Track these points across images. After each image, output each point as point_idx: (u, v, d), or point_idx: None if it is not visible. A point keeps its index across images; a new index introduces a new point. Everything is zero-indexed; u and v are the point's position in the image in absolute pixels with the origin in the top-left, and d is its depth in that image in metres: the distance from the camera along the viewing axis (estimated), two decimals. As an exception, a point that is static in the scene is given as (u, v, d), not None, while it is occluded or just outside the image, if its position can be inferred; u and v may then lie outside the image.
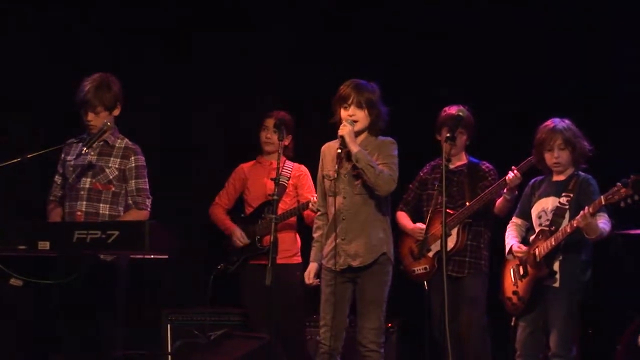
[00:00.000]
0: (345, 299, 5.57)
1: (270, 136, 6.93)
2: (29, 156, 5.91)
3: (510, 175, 6.26)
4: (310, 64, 7.57)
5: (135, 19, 7.59)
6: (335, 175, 5.59)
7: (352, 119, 5.54)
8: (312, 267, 5.70)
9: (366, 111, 5.56)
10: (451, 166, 6.61)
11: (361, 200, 5.54)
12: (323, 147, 5.76)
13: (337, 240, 5.55)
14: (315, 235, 5.75)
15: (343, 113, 5.58)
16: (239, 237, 6.91)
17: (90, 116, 5.96)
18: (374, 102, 5.58)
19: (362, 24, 7.73)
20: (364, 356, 5.52)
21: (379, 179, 5.48)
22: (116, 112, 6.03)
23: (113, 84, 5.99)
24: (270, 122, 6.88)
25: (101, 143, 5.99)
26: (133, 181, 6.01)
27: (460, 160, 6.69)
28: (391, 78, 7.47)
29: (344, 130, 5.51)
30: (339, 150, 5.55)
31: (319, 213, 5.76)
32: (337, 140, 5.66)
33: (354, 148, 5.49)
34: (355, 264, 5.51)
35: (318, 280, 5.67)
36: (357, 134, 5.59)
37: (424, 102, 7.21)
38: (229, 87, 7.69)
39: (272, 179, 6.23)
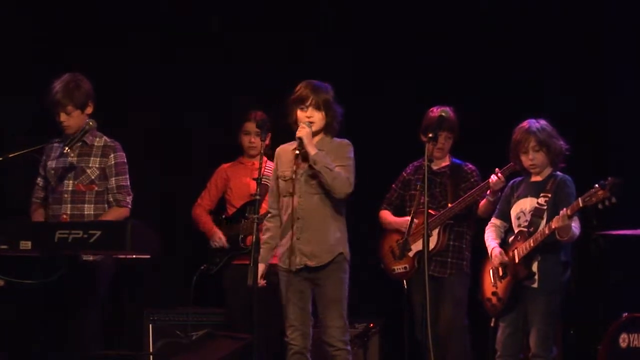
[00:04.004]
0: (306, 297, 5.58)
1: (254, 140, 6.92)
2: (10, 155, 5.92)
3: (494, 178, 6.28)
4: (285, 63, 7.58)
5: (114, 20, 7.58)
6: (292, 175, 5.59)
7: (309, 120, 5.55)
8: (261, 267, 5.64)
9: (323, 113, 5.57)
10: (434, 167, 6.62)
11: (318, 200, 5.55)
12: (277, 149, 5.77)
13: (293, 240, 5.55)
14: (264, 237, 5.70)
15: (300, 114, 5.58)
16: (217, 240, 6.92)
17: (63, 117, 5.96)
18: (331, 104, 5.58)
19: (346, 22, 7.75)
20: (332, 355, 5.52)
21: (336, 181, 5.48)
22: (89, 110, 6.03)
23: (82, 83, 5.99)
24: (251, 126, 6.87)
25: (79, 144, 5.99)
26: (113, 179, 6.02)
27: (444, 161, 6.70)
28: (377, 77, 7.55)
29: (302, 132, 5.51)
30: (297, 152, 5.55)
31: (269, 215, 5.74)
32: (292, 142, 5.68)
33: (311, 150, 5.50)
34: (311, 263, 5.52)
35: (265, 281, 5.67)
36: (313, 135, 5.59)
37: (411, 102, 7.23)
38: (210, 87, 7.69)
39: (254, 179, 6.23)
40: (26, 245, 5.43)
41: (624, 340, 6.52)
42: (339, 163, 5.54)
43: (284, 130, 6.43)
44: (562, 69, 7.56)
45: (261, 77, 7.58)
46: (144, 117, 7.59)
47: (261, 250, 5.69)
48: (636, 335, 6.49)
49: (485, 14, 7.60)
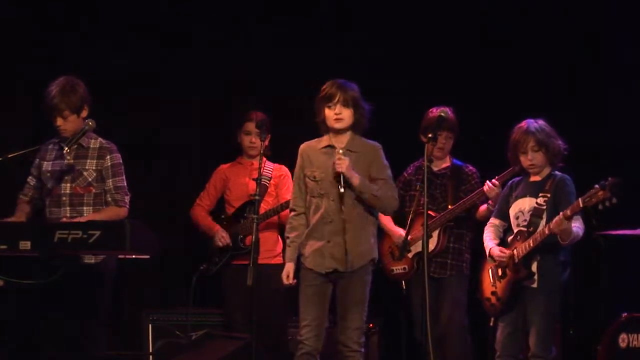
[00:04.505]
0: (326, 299, 5.56)
1: (255, 141, 6.89)
2: (9, 156, 5.94)
3: (486, 187, 6.28)
4: (288, 62, 7.58)
5: (114, 21, 7.59)
6: (322, 177, 5.57)
7: (337, 117, 5.54)
8: (290, 267, 5.65)
9: (352, 110, 5.56)
10: (435, 168, 6.62)
11: (351, 204, 5.53)
12: (303, 147, 5.73)
13: (323, 242, 5.53)
14: (290, 235, 5.69)
15: (328, 112, 5.57)
16: (221, 237, 6.90)
17: (59, 121, 6.00)
18: (358, 101, 5.58)
19: (346, 22, 7.75)
20: (346, 356, 5.51)
21: (385, 205, 5.61)
22: (84, 113, 6.05)
23: (78, 87, 6.01)
24: (252, 126, 6.84)
25: (75, 146, 6.00)
26: (110, 180, 6.04)
27: (445, 162, 6.70)
28: (377, 77, 7.54)
29: (342, 166, 5.46)
30: (342, 190, 5.46)
31: (294, 213, 5.70)
32: (318, 139, 5.68)
33: (355, 181, 5.47)
34: (342, 268, 5.50)
35: (296, 280, 5.67)
36: (342, 132, 5.59)
37: (410, 102, 7.22)
38: (208, 86, 7.68)
39: (254, 179, 6.23)
40: (25, 245, 5.44)
41: (623, 340, 6.53)
42: (377, 174, 5.56)
43: (282, 131, 6.45)
44: (562, 69, 7.55)
45: (261, 78, 7.58)
46: (143, 117, 7.59)
47: (288, 249, 5.69)
48: (636, 336, 6.50)
49: (485, 14, 7.59)
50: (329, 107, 5.56)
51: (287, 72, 7.52)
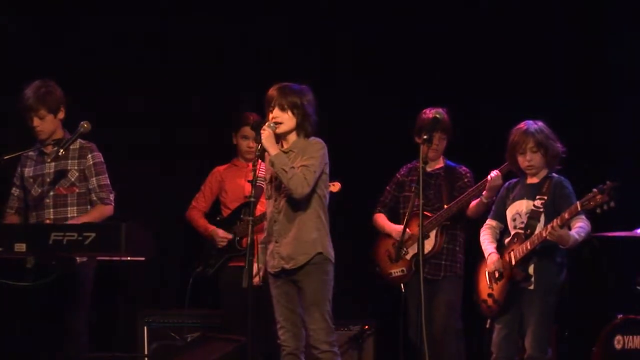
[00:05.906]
0: (293, 298, 5.54)
1: (252, 145, 6.88)
2: (6, 157, 5.94)
3: (493, 174, 6.25)
4: (285, 62, 7.58)
5: (113, 21, 7.58)
6: (269, 179, 5.61)
7: (274, 120, 5.53)
8: (255, 267, 5.62)
9: (289, 113, 5.53)
10: (428, 169, 6.62)
11: (289, 203, 5.51)
12: None
13: (274, 244, 5.56)
14: (262, 238, 5.73)
15: (269, 116, 5.58)
16: (222, 236, 6.90)
17: (36, 121, 6.01)
18: (299, 105, 5.51)
19: (342, 22, 7.76)
20: (318, 358, 5.49)
21: (291, 182, 5.41)
22: (61, 115, 6.08)
23: (54, 88, 6.05)
24: (250, 131, 6.82)
25: (55, 149, 6.00)
26: (94, 178, 6.07)
27: (438, 163, 6.70)
28: (372, 79, 7.55)
29: (263, 134, 5.48)
30: (256, 155, 5.53)
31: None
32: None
33: (272, 151, 5.47)
34: (287, 266, 5.50)
35: (259, 281, 5.66)
36: (285, 135, 5.56)
37: (404, 104, 7.22)
38: (207, 88, 7.68)
39: (249, 181, 6.23)
40: (21, 247, 5.44)
41: (618, 341, 6.54)
42: (302, 162, 5.49)
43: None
44: (561, 69, 7.56)
45: (259, 78, 7.57)
46: (141, 118, 7.58)
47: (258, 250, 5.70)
48: (631, 337, 6.52)
49: (483, 14, 7.60)
50: (270, 110, 5.57)
51: (285, 72, 7.51)
